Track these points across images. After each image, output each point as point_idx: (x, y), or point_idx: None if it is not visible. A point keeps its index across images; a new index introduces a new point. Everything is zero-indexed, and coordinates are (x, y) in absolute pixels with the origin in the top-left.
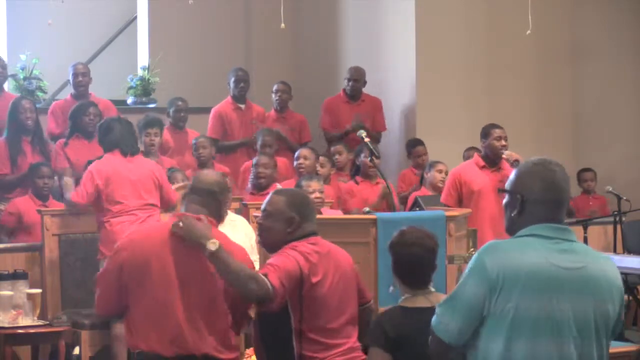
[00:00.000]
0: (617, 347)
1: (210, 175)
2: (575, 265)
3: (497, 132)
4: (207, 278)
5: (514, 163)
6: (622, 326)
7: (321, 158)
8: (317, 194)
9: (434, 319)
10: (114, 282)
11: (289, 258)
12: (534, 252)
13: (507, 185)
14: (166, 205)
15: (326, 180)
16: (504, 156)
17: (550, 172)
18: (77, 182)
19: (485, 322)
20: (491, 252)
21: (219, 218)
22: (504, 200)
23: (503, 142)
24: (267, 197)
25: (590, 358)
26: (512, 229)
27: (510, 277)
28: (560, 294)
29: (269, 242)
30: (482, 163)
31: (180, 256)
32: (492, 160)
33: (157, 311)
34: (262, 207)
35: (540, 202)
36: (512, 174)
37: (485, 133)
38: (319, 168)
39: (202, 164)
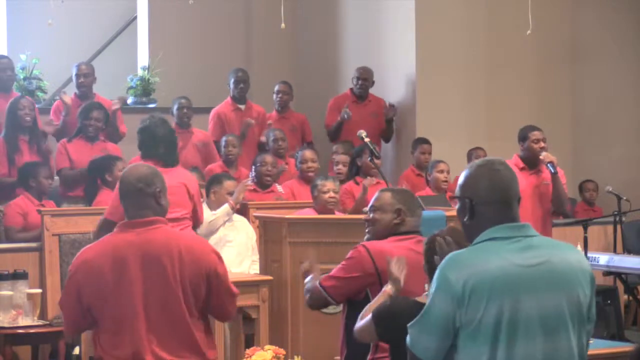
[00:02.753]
0: (617, 347)
1: (133, 171)
2: (538, 261)
3: (535, 135)
4: (168, 286)
5: (549, 164)
6: (595, 310)
7: (343, 157)
8: (332, 194)
9: (408, 338)
10: (76, 305)
11: (347, 265)
12: (495, 256)
13: (456, 191)
14: (194, 223)
15: (343, 181)
16: (541, 157)
17: (494, 172)
18: (74, 181)
19: (459, 334)
20: (453, 266)
21: (164, 210)
22: (456, 207)
23: (542, 144)
24: (374, 196)
25: (569, 350)
26: (468, 235)
27: (476, 287)
28: (529, 293)
29: (376, 235)
30: (521, 164)
31: (139, 267)
32: (532, 162)
33: (117, 326)
34: (370, 205)
35: (489, 203)
36: (460, 179)
37: (524, 136)
38: (340, 167)
39: (230, 163)
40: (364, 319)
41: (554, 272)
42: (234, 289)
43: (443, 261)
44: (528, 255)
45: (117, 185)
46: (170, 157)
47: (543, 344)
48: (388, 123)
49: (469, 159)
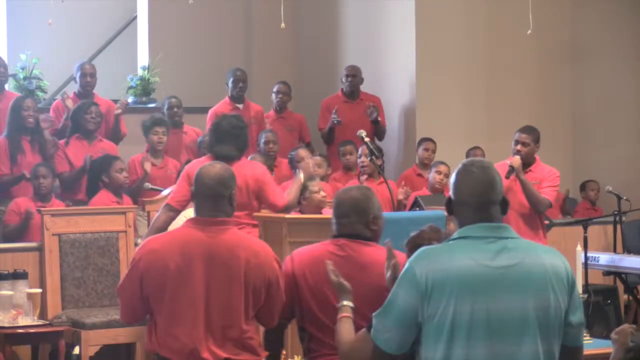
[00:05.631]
0: None
1: (210, 173)
2: (508, 263)
3: (516, 136)
4: (232, 287)
5: (509, 170)
6: (583, 315)
7: (318, 158)
8: (323, 193)
9: (372, 330)
10: (137, 293)
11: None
12: (462, 254)
13: None
14: (274, 210)
15: (323, 179)
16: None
17: (468, 174)
18: (70, 184)
19: (422, 329)
20: (420, 259)
21: (233, 211)
22: None
23: (518, 147)
24: None
25: (533, 355)
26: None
27: (439, 283)
28: (493, 294)
29: None
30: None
31: (205, 266)
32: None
33: (174, 320)
34: None
35: (464, 203)
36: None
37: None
38: (348, 158)
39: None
40: (351, 340)
41: (523, 276)
42: (285, 298)
43: (414, 254)
44: (499, 257)
45: (183, 176)
46: (225, 149)
47: (503, 346)
48: (374, 123)
49: (467, 157)
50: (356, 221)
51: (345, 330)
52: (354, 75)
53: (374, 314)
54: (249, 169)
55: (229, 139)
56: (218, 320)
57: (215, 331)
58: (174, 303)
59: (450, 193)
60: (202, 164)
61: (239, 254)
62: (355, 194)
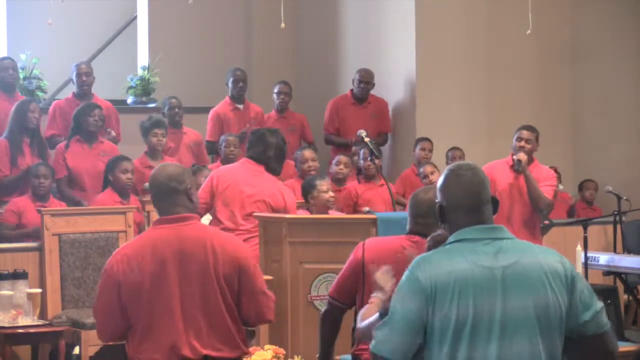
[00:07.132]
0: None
1: (164, 170)
2: (505, 263)
3: (520, 133)
4: (205, 280)
5: (516, 162)
6: (588, 310)
7: (344, 158)
8: (331, 193)
9: (373, 342)
10: (115, 303)
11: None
12: (461, 257)
13: None
14: None
15: (343, 181)
16: (514, 156)
17: (458, 177)
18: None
19: (426, 332)
20: (422, 265)
21: (195, 206)
22: None
23: (522, 144)
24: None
25: (535, 355)
26: (447, 238)
27: (442, 287)
28: (493, 295)
29: None
30: (512, 163)
31: (176, 263)
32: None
33: (153, 322)
34: None
35: (457, 208)
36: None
37: (515, 132)
38: (342, 168)
39: (229, 162)
40: (366, 322)
41: (521, 275)
42: (268, 292)
43: (412, 262)
44: (496, 257)
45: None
46: (273, 165)
47: (506, 347)
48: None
49: (447, 159)
50: (433, 222)
51: (369, 310)
52: (368, 82)
53: (376, 327)
54: (282, 192)
55: (280, 155)
56: (196, 316)
57: (195, 327)
58: (151, 305)
59: (441, 199)
60: (233, 169)
61: (205, 246)
62: (435, 195)
